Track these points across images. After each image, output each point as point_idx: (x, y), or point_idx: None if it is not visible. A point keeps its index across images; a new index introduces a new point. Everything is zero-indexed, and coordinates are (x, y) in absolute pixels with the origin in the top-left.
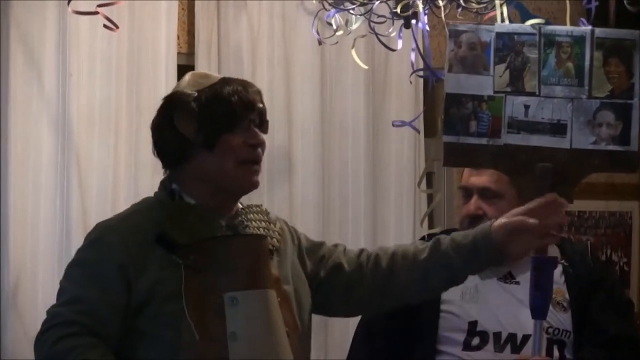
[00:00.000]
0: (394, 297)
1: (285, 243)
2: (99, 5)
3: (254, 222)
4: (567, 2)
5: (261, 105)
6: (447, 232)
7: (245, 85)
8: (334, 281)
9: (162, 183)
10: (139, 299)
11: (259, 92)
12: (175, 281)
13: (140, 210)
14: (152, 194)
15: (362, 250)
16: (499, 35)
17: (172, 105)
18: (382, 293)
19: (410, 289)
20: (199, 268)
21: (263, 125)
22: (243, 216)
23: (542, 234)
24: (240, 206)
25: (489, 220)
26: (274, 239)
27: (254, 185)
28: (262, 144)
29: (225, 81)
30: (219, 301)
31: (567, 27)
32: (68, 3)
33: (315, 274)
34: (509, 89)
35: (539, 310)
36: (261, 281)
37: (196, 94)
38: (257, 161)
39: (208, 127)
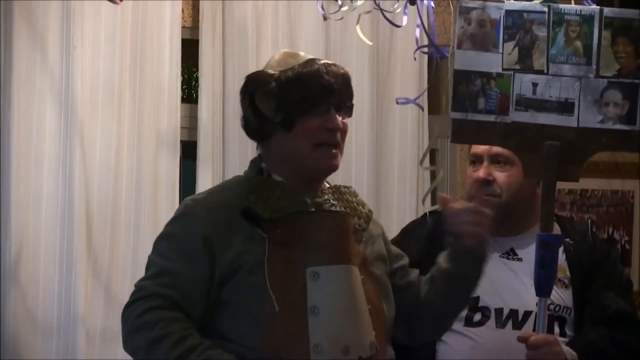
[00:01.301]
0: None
1: (376, 228)
2: None
3: (341, 202)
4: None
5: (343, 89)
6: None
7: (328, 68)
8: (406, 295)
9: (252, 161)
10: (224, 271)
11: (343, 76)
12: (260, 253)
13: (228, 186)
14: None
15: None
16: (509, 12)
17: (254, 83)
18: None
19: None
20: (283, 242)
21: (344, 109)
22: (329, 195)
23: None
24: (327, 185)
25: (499, 187)
26: (362, 220)
27: (332, 168)
28: (339, 129)
29: (310, 63)
30: (301, 275)
31: (576, 6)
32: None
33: (392, 278)
34: (517, 67)
35: (543, 288)
36: (344, 257)
37: (277, 73)
38: (335, 144)
39: (286, 108)
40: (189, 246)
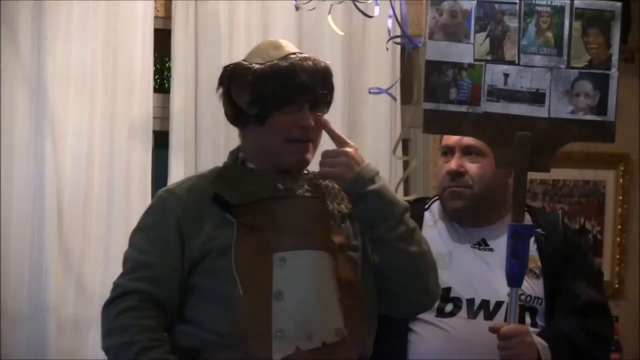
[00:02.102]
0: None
1: None
2: None
3: (318, 187)
4: None
5: (321, 85)
6: (420, 200)
7: (306, 63)
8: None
9: (231, 152)
10: (193, 256)
11: (322, 71)
12: (229, 238)
13: (204, 174)
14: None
15: None
16: (480, 3)
17: (231, 74)
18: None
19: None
20: (253, 227)
21: (321, 104)
22: (306, 181)
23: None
24: (306, 172)
25: (471, 178)
26: (342, 205)
27: (302, 162)
28: (311, 127)
29: (288, 58)
30: (268, 260)
31: None
32: None
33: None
34: (489, 58)
35: (515, 278)
36: (313, 243)
37: (255, 66)
38: (307, 141)
39: (260, 103)
40: (163, 234)
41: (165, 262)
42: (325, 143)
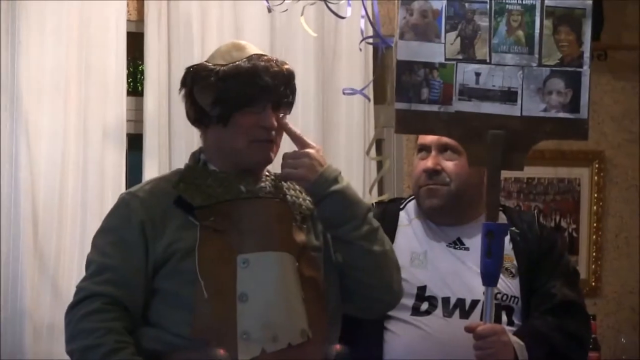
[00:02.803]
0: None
1: None
2: None
3: (280, 189)
4: None
5: (283, 87)
6: (395, 200)
7: (268, 65)
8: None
9: (192, 153)
10: (157, 259)
11: (284, 73)
12: (192, 241)
13: (165, 176)
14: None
15: None
16: (451, 2)
17: (193, 76)
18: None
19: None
20: (216, 229)
21: (283, 106)
22: (268, 182)
23: None
24: (267, 174)
25: (447, 175)
26: (303, 207)
27: (265, 161)
28: (274, 127)
29: (251, 59)
30: (232, 262)
31: None
32: None
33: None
34: (460, 57)
35: (490, 277)
36: (276, 244)
37: (217, 68)
38: (269, 141)
39: (223, 103)
40: (126, 236)
41: (128, 265)
42: (287, 145)
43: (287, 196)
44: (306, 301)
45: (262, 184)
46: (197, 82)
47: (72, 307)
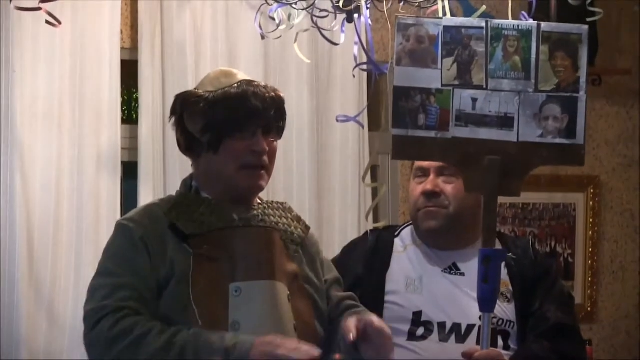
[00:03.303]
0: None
1: (311, 245)
2: (42, 1)
3: (272, 217)
4: None
5: (273, 112)
6: (389, 228)
7: (258, 90)
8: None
9: (184, 180)
10: (161, 278)
11: (273, 98)
12: (186, 267)
13: (158, 203)
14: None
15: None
16: (447, 28)
17: (182, 103)
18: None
19: None
20: (209, 257)
21: (274, 131)
22: (260, 211)
23: None
24: (259, 201)
25: (446, 198)
26: (295, 235)
27: (256, 189)
28: (265, 152)
29: (240, 85)
30: (225, 290)
31: (514, 21)
32: (11, 0)
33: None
34: (456, 82)
35: (487, 303)
36: (268, 273)
37: (206, 94)
38: (260, 166)
39: (213, 129)
40: (133, 257)
41: (142, 282)
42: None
43: (280, 224)
44: (297, 330)
45: (255, 212)
46: (187, 109)
47: (96, 324)
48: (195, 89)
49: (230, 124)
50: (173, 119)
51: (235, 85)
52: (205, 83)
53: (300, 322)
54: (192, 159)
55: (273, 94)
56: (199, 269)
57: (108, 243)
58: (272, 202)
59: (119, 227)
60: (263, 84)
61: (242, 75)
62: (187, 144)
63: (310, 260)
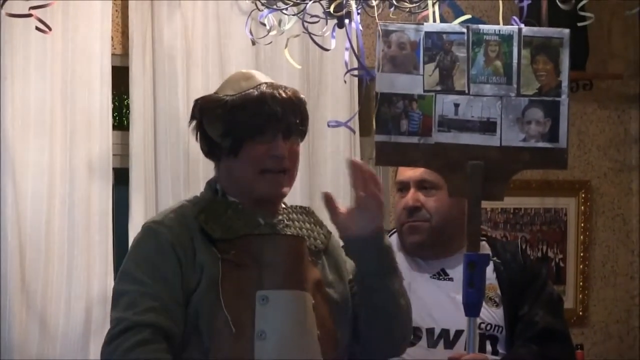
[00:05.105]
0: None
1: (334, 247)
2: (32, 8)
3: (296, 223)
4: (500, 0)
5: (293, 114)
6: None
7: (276, 93)
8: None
9: (208, 182)
10: (190, 285)
11: (293, 101)
12: (215, 272)
13: (185, 205)
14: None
15: None
16: (428, 34)
17: (202, 107)
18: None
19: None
20: (237, 263)
21: (295, 133)
22: (285, 216)
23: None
24: (284, 206)
25: (428, 212)
26: (318, 241)
27: (278, 195)
28: (285, 156)
29: (260, 88)
30: (252, 298)
31: (495, 26)
32: (1, 6)
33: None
34: (438, 88)
35: (472, 307)
36: (296, 282)
37: (226, 98)
38: (281, 171)
39: (232, 134)
40: (161, 264)
41: (167, 291)
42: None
43: (304, 229)
44: (321, 339)
45: (280, 217)
46: (206, 113)
47: (111, 340)
48: (215, 92)
49: (249, 128)
50: (193, 124)
51: (254, 88)
52: (225, 86)
53: (323, 331)
54: (214, 162)
55: (293, 96)
56: (228, 275)
57: (136, 244)
58: (296, 206)
59: (149, 231)
60: (283, 86)
61: (262, 78)
62: (208, 149)
63: (333, 264)
